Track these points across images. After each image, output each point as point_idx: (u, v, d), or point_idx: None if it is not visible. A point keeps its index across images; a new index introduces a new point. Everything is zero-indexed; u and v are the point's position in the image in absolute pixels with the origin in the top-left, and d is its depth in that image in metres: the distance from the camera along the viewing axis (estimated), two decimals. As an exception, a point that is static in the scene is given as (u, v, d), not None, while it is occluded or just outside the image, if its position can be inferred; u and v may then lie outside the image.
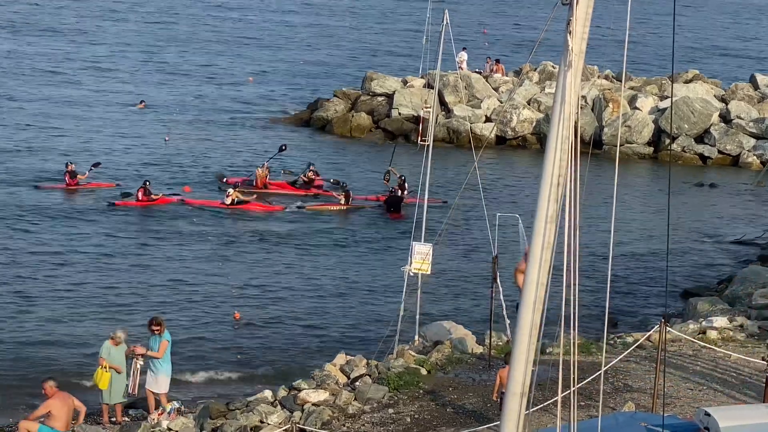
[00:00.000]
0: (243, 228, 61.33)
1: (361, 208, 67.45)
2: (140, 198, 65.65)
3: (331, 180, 75.26)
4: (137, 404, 35.52)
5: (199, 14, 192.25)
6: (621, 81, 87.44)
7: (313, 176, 74.96)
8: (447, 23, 45.73)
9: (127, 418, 34.60)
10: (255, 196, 68.41)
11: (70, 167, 70.79)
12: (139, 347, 34.57)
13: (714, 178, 78.97)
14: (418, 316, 39.82)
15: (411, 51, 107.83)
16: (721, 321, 40.80)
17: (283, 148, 77.24)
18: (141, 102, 78.84)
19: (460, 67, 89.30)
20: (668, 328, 34.54)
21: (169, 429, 31.69)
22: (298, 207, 68.38)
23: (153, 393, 34.40)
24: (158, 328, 34.35)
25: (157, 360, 34.30)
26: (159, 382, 34.01)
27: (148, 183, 68.27)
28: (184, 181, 71.20)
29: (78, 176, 70.43)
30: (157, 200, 67.10)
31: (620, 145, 79.50)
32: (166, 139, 78.97)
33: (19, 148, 79.97)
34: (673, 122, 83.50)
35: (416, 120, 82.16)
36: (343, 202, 67.02)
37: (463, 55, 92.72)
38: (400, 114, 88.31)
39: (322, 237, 60.42)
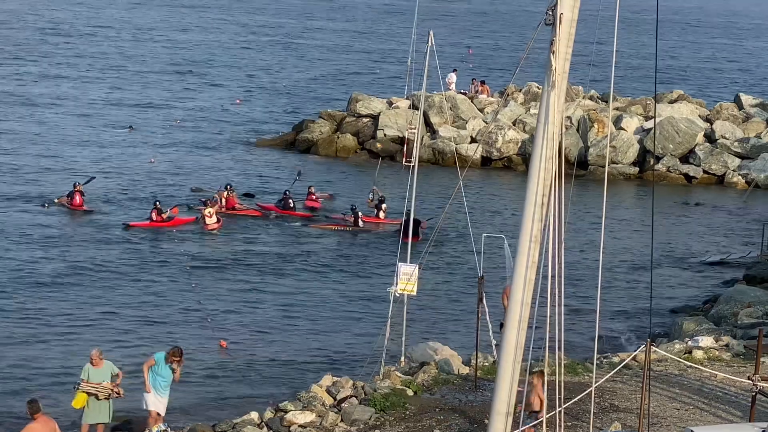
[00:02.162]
0: (228, 251, 61.05)
1: (368, 231, 66.80)
2: (154, 219, 65.53)
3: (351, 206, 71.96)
4: (121, 427, 35.18)
5: (184, 38, 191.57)
6: (606, 101, 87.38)
7: (315, 197, 74.12)
8: (432, 44, 45.72)
9: None
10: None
11: (77, 191, 69.27)
12: (121, 391, 33.83)
13: (699, 198, 79.41)
14: (404, 337, 39.78)
15: (396, 72, 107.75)
16: (707, 341, 40.81)
17: (300, 173, 72.53)
18: (130, 126, 77.88)
19: (449, 88, 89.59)
20: (654, 348, 34.41)
21: None
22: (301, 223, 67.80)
23: (154, 413, 33.89)
24: (179, 359, 34.06)
25: (168, 384, 34.39)
26: (164, 403, 34.01)
27: (158, 203, 68.15)
28: (171, 202, 70.22)
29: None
30: (173, 221, 66.83)
31: (606, 165, 79.49)
32: (152, 161, 78.58)
33: (15, 168, 79.75)
34: (658, 142, 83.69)
35: (402, 141, 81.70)
36: (352, 223, 66.72)
37: (453, 77, 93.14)
38: (386, 135, 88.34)
39: (307, 259, 60.25)
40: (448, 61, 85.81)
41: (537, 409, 29.53)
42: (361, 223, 66.11)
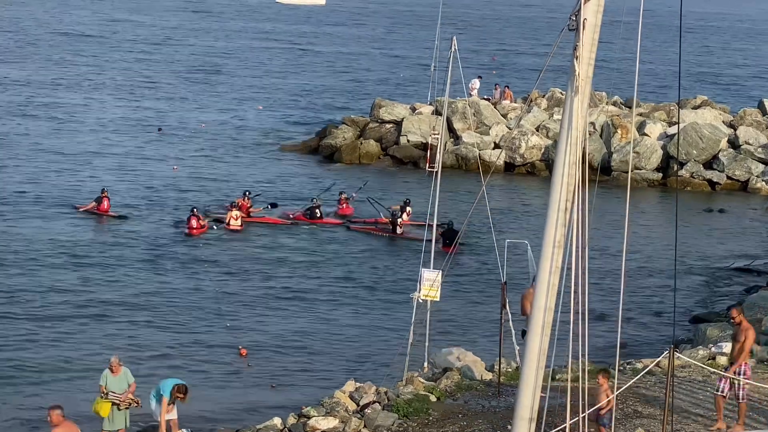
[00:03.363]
0: (252, 256, 60.90)
1: (411, 239, 65.16)
2: (195, 226, 65.29)
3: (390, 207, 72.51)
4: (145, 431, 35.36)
5: (209, 43, 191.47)
6: (629, 107, 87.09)
7: (345, 204, 73.93)
8: (455, 50, 45.46)
9: None
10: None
11: (104, 196, 69.33)
12: (139, 401, 34.52)
13: (723, 204, 79.07)
14: (427, 343, 39.65)
15: (420, 78, 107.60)
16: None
17: (333, 184, 71.07)
18: (159, 128, 78.36)
19: (470, 94, 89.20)
20: (677, 354, 34.47)
21: None
22: (347, 228, 68.45)
23: (168, 420, 34.16)
24: (183, 396, 34.35)
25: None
26: (175, 410, 34.11)
27: (196, 210, 68.12)
28: (195, 205, 69.44)
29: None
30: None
31: (630, 171, 79.16)
32: (175, 168, 77.64)
33: (49, 172, 79.69)
34: (682, 148, 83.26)
35: (425, 147, 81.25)
36: (390, 229, 66.89)
37: (476, 83, 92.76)
38: (408, 141, 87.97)
39: (330, 264, 59.98)
40: (472, 67, 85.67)
41: (605, 408, 30.08)
42: (398, 230, 65.98)
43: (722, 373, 32.72)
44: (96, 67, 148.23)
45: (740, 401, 31.50)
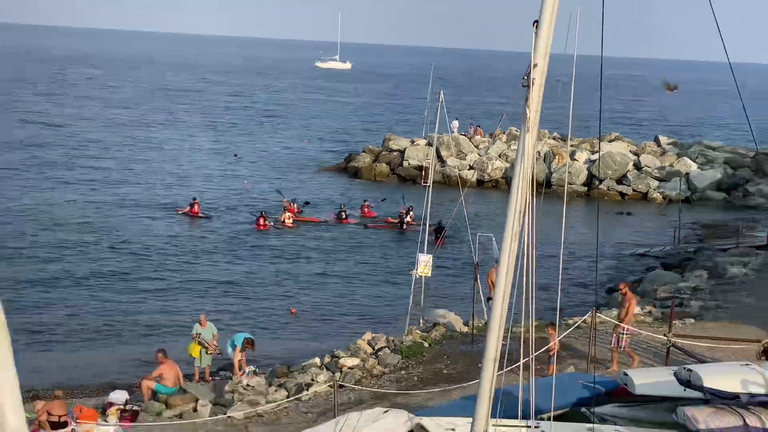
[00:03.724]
0: (299, 245, 61.66)
1: (413, 230, 62.95)
2: (261, 224, 65.85)
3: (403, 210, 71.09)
4: (224, 368, 35.84)
5: (269, 95, 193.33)
6: (564, 140, 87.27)
7: (367, 210, 73.60)
8: (442, 100, 45.97)
9: (216, 378, 34.91)
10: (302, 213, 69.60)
11: (195, 202, 70.48)
12: (219, 349, 35.76)
13: (630, 209, 79.23)
14: (422, 305, 40.68)
15: (417, 120, 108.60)
16: (636, 308, 41.04)
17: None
18: (235, 155, 77.23)
19: (452, 131, 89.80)
20: (598, 314, 34.58)
21: (248, 385, 31.81)
22: (364, 227, 68.59)
23: (237, 361, 34.50)
24: (251, 346, 35.28)
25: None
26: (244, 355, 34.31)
27: (263, 212, 68.40)
28: (261, 209, 70.16)
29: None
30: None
31: (565, 185, 79.54)
32: (246, 184, 76.38)
33: (158, 185, 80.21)
34: (601, 169, 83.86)
35: (421, 168, 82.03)
36: (399, 226, 67.36)
37: (456, 123, 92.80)
38: (409, 164, 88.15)
39: (354, 251, 60.76)
40: (453, 112, 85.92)
41: (552, 350, 30.78)
42: (404, 226, 66.34)
43: (630, 327, 33.17)
44: (189, 112, 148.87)
45: (624, 349, 33.06)
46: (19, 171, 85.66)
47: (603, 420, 25.60)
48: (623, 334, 32.88)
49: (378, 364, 34.13)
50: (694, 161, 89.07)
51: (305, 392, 31.07)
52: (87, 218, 66.26)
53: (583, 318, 34.78)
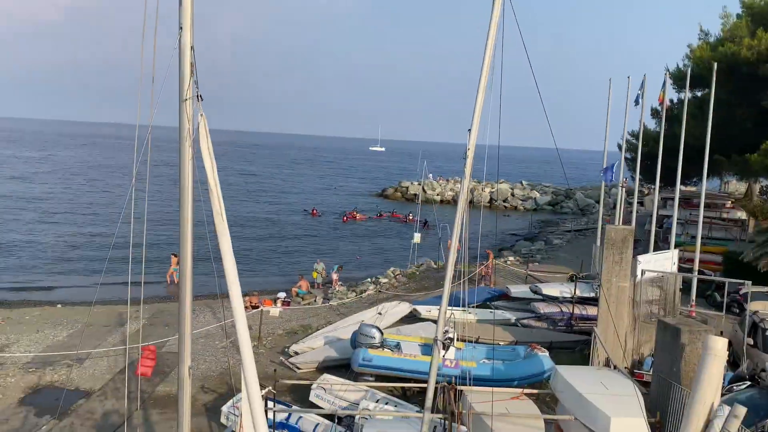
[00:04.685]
0: (360, 229, 59.22)
1: (413, 222, 61.51)
2: (346, 219, 63.26)
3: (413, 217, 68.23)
4: (327, 282, 33.77)
5: (341, 165, 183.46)
6: (480, 182, 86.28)
7: (385, 214, 68.31)
8: (426, 166, 46.26)
9: (324, 285, 33.40)
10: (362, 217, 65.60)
11: (313, 210, 67.88)
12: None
13: (510, 214, 76.15)
14: (416, 255, 39.43)
15: (415, 173, 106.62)
16: (512, 258, 40.39)
17: (426, 221, 57.77)
18: (313, 209, 67.21)
19: (428, 177, 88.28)
20: (495, 260, 34.21)
21: (338, 290, 31.97)
22: (383, 218, 65.22)
23: (335, 278, 33.37)
24: (341, 267, 34.79)
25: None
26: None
27: (347, 212, 65.68)
28: (345, 210, 67.69)
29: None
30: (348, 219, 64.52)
31: (481, 203, 78.92)
32: (313, 211, 68.14)
33: (292, 200, 77.44)
34: (496, 195, 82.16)
35: (416, 196, 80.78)
36: (405, 220, 63.68)
37: (431, 176, 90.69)
38: (409, 191, 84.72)
39: (383, 232, 57.78)
40: (430, 169, 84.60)
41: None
42: (407, 220, 62.83)
43: (516, 267, 32.81)
44: (303, 166, 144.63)
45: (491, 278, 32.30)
46: None
47: (497, 307, 25.52)
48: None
49: (396, 281, 33.88)
50: (538, 191, 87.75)
51: (364, 294, 30.85)
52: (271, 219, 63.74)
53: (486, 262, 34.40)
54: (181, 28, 7.03)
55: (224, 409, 15.55)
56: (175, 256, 31.39)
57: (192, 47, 7.09)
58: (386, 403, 15.56)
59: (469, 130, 10.58)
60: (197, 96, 7.19)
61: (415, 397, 16.82)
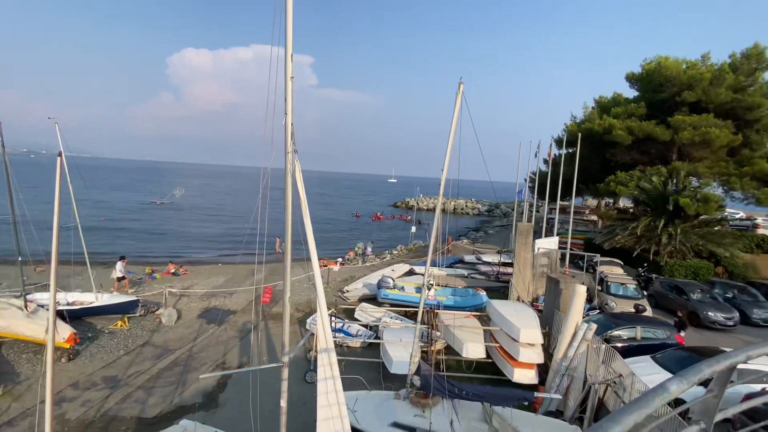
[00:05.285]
0: (384, 225, 55.17)
1: (411, 221, 57.21)
2: (378, 216, 58.44)
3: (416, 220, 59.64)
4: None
5: (372, 190, 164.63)
6: (449, 199, 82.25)
7: (396, 216, 63.04)
8: (419, 190, 44.91)
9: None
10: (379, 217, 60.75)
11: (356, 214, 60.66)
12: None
13: (467, 218, 69.55)
14: (412, 239, 37.49)
15: (413, 194, 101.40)
16: (466, 240, 38.70)
17: (419, 220, 50.88)
18: (356, 213, 57.08)
19: (420, 195, 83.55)
20: (454, 242, 33.10)
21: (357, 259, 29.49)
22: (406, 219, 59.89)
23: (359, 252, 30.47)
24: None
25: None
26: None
27: (379, 213, 60.07)
28: (378, 211, 61.95)
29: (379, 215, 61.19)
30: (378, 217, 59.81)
31: (449, 210, 75.58)
32: (356, 214, 61.59)
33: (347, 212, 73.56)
34: (455, 206, 77.01)
35: (413, 207, 75.73)
36: (406, 219, 58.40)
37: (421, 195, 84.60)
38: (411, 205, 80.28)
39: (396, 226, 53.63)
40: (424, 192, 79.87)
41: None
42: (407, 220, 58.40)
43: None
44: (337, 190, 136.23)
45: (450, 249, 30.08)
46: None
47: (457, 268, 24.89)
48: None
49: (401, 253, 31.99)
50: (480, 204, 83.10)
51: (384, 259, 29.07)
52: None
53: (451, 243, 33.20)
54: (285, 114, 7.13)
55: (308, 320, 15.64)
56: (279, 238, 30.01)
57: (291, 124, 7.17)
58: (396, 319, 15.51)
59: (442, 169, 10.42)
60: (294, 150, 7.27)
61: (411, 317, 16.65)
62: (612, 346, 10.79)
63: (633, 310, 15.71)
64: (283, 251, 7.63)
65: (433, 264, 18.93)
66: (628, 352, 12.16)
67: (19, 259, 13.30)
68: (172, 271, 21.79)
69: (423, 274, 18.61)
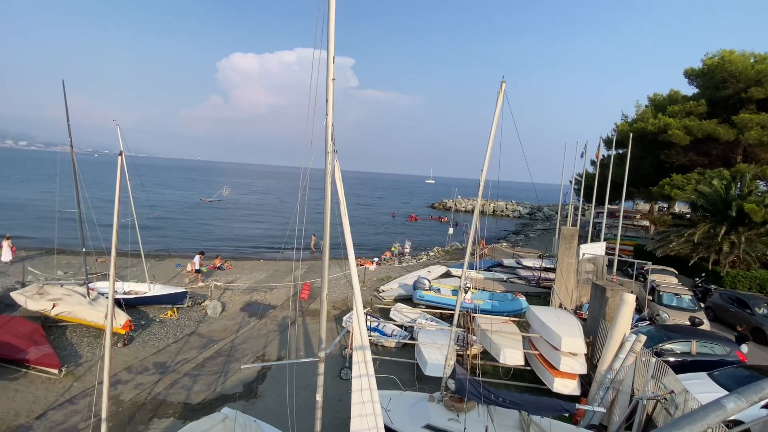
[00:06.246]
0: (417, 224, 53.67)
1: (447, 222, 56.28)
2: (412, 218, 56.87)
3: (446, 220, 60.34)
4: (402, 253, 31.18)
5: (411, 189, 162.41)
6: (488, 201, 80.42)
7: (433, 218, 60.91)
8: (457, 191, 44.08)
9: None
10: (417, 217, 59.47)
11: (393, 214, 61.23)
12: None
13: (505, 219, 67.44)
14: (449, 240, 36.91)
15: (450, 195, 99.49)
16: (505, 243, 37.67)
17: (456, 222, 49.47)
18: (393, 213, 55.50)
19: (457, 196, 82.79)
20: (487, 246, 32.28)
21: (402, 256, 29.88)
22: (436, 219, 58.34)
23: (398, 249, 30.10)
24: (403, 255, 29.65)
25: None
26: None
27: (413, 214, 59.51)
28: (413, 212, 60.49)
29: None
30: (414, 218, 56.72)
31: (489, 212, 74.31)
32: (393, 214, 61.24)
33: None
34: (495, 208, 75.13)
35: (450, 208, 74.61)
36: (440, 220, 56.74)
37: (459, 196, 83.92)
38: (448, 206, 78.90)
39: (431, 225, 52.29)
40: (461, 193, 77.77)
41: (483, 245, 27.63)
42: (442, 221, 56.71)
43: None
44: (387, 191, 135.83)
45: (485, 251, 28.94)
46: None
47: (495, 271, 24.40)
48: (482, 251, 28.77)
49: (438, 254, 31.39)
50: (521, 206, 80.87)
51: (421, 260, 28.80)
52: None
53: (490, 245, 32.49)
54: (326, 115, 7.31)
55: (345, 318, 15.92)
56: (315, 236, 30.14)
57: (332, 125, 7.34)
58: (431, 321, 15.45)
59: (482, 169, 10.27)
60: (334, 151, 7.44)
61: (447, 319, 16.53)
62: (663, 360, 10.22)
63: (688, 322, 14.69)
64: (317, 250, 7.85)
65: (471, 267, 18.72)
66: (681, 367, 11.49)
67: (83, 250, 14.12)
68: (218, 265, 22.40)
69: (459, 277, 18.50)
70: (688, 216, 28.39)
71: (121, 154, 7.92)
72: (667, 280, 18.82)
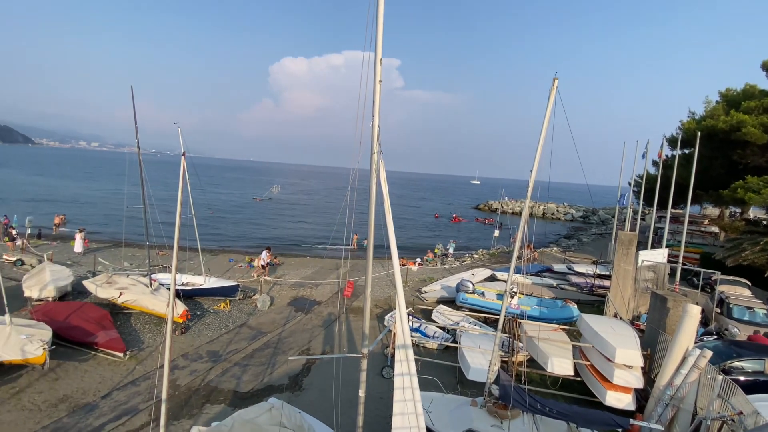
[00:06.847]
0: (461, 226, 52.56)
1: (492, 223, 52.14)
2: (455, 220, 55.14)
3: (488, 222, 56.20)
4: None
5: (456, 191, 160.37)
6: (534, 203, 76.55)
7: (478, 219, 56.52)
8: (503, 192, 42.45)
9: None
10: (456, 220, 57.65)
11: (437, 215, 58.41)
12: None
13: (554, 222, 64.96)
14: (494, 243, 36.17)
15: (496, 196, 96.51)
16: (556, 248, 36.34)
17: (501, 224, 47.43)
18: (435, 214, 53.39)
19: (504, 198, 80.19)
20: (534, 250, 31.34)
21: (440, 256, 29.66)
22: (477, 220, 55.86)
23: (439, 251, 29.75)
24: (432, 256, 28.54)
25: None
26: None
27: (437, 214, 56.55)
28: (436, 212, 58.70)
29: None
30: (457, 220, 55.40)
31: (535, 214, 71.31)
32: (436, 215, 58.23)
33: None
34: (544, 209, 71.70)
35: (497, 210, 72.09)
36: (484, 222, 54.66)
37: (506, 198, 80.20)
38: (494, 208, 75.74)
39: (474, 231, 50.88)
40: (508, 194, 75.19)
41: (532, 250, 25.55)
42: (486, 222, 54.46)
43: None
44: (426, 191, 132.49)
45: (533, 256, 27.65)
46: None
47: (544, 277, 23.64)
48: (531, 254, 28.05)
49: (482, 257, 30.47)
50: (573, 209, 76.87)
51: (464, 263, 28.12)
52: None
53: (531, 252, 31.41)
54: (373, 116, 7.48)
55: (387, 317, 16.09)
56: (357, 234, 29.33)
57: (378, 126, 7.49)
58: (475, 324, 15.23)
59: (531, 170, 10.02)
60: (380, 151, 7.59)
61: (491, 324, 16.22)
62: (732, 379, 9.67)
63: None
64: (358, 247, 8.02)
65: (518, 271, 18.20)
66: (753, 387, 10.60)
67: (147, 243, 15.17)
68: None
69: (505, 281, 18.08)
70: (765, 222, 25.99)
71: (183, 154, 8.57)
72: (739, 292, 17.34)
